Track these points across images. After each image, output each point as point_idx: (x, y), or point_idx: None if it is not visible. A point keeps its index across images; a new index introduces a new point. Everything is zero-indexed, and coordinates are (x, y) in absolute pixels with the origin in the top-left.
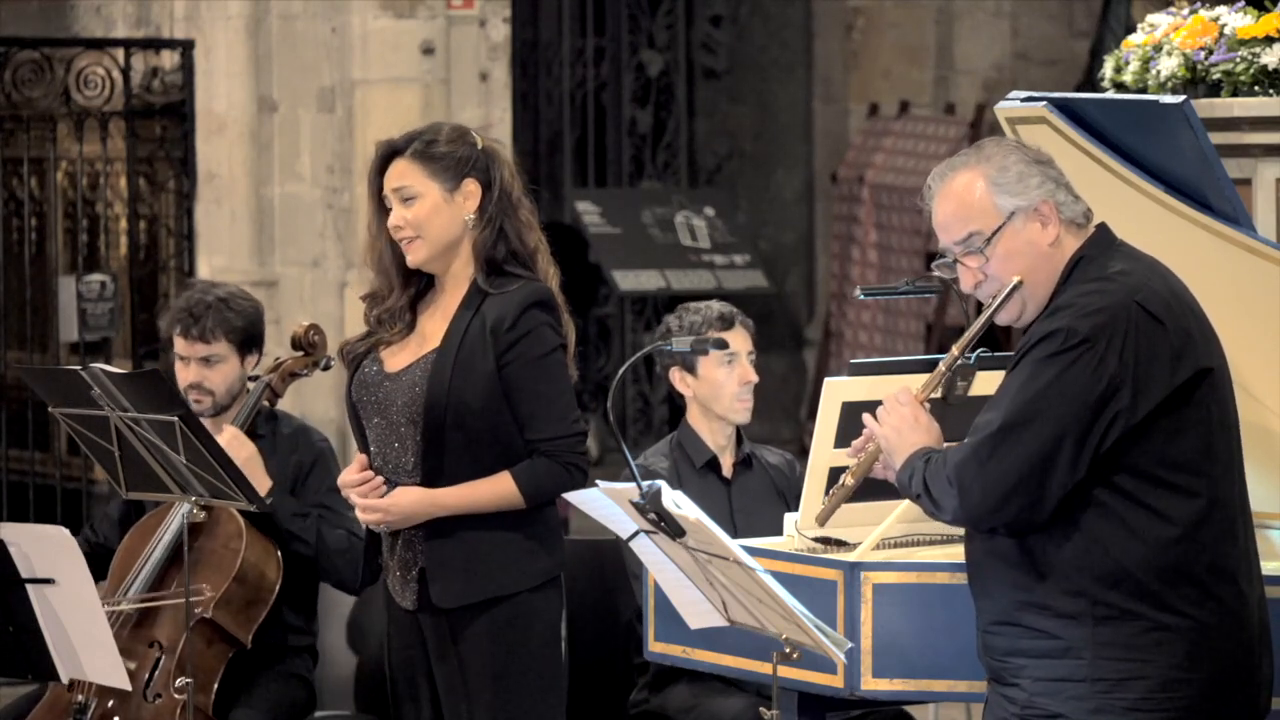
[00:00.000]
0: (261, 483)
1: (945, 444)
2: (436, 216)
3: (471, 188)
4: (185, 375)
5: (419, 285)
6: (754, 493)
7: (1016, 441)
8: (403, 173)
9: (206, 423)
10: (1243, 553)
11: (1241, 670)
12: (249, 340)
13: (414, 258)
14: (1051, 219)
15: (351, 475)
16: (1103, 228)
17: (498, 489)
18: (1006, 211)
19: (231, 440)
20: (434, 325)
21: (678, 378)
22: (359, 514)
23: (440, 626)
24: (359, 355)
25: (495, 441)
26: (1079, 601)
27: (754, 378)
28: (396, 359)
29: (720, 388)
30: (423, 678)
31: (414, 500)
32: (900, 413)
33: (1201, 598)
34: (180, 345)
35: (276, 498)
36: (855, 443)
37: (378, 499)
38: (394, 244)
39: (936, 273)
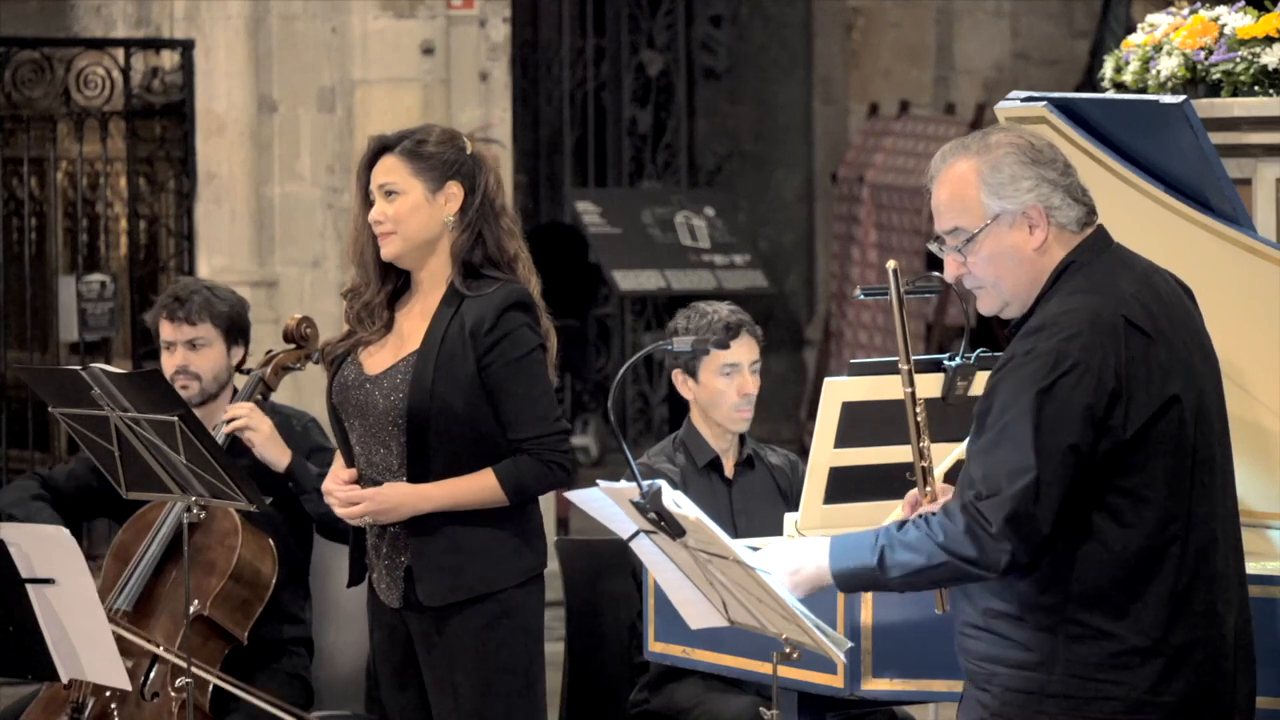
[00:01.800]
0: (283, 454)
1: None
2: (416, 213)
3: (454, 190)
4: (171, 361)
5: (396, 283)
6: (755, 493)
7: (1050, 479)
8: (389, 169)
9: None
10: (1219, 574)
11: (1214, 695)
12: (234, 329)
13: (387, 250)
14: (1040, 224)
15: (338, 482)
16: (1099, 231)
17: (481, 485)
18: (991, 214)
19: (251, 414)
20: (412, 325)
21: (680, 380)
22: (342, 510)
23: (426, 624)
24: (339, 357)
25: (479, 442)
26: (1052, 618)
27: (754, 390)
28: (375, 360)
29: (720, 396)
30: (410, 675)
31: (399, 492)
32: (784, 573)
33: (1173, 620)
34: (166, 330)
35: (298, 464)
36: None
37: (361, 491)
38: (375, 239)
39: (932, 248)
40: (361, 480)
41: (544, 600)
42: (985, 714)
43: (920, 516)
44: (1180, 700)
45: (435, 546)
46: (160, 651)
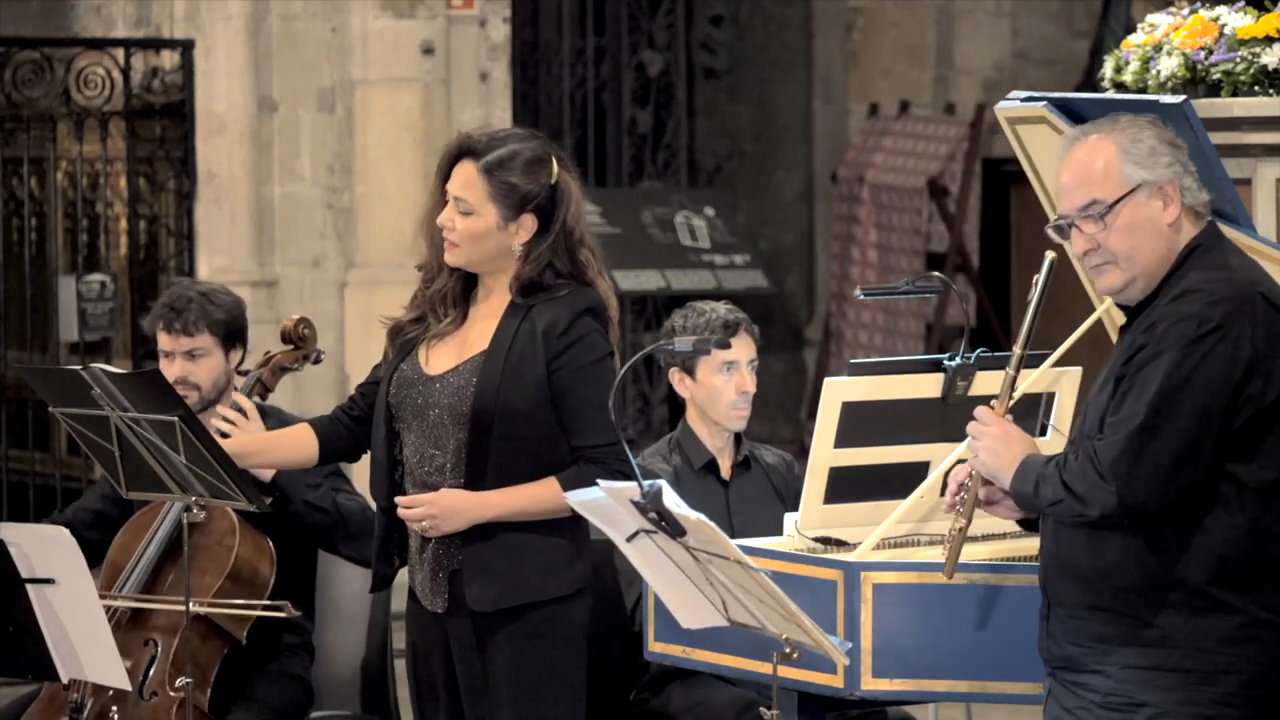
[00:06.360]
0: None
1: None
2: (486, 238)
3: (529, 223)
4: (170, 371)
5: (465, 276)
6: (752, 494)
7: (1169, 431)
8: (468, 182)
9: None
10: None
11: None
12: (232, 334)
13: (449, 258)
14: (1174, 200)
15: None
16: (1213, 223)
17: (547, 494)
18: (1133, 182)
19: (238, 421)
20: (478, 329)
21: (677, 379)
22: (402, 513)
23: (468, 630)
24: (409, 340)
25: (537, 447)
26: (1180, 592)
27: (752, 388)
28: (438, 359)
29: (717, 394)
30: (441, 682)
31: (460, 499)
32: (990, 433)
33: None
34: (164, 340)
35: (286, 472)
36: (950, 489)
37: (420, 495)
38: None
39: (1048, 232)
40: (413, 482)
41: (588, 617)
42: (1096, 696)
43: (1071, 451)
44: None
45: (487, 551)
46: (169, 606)
